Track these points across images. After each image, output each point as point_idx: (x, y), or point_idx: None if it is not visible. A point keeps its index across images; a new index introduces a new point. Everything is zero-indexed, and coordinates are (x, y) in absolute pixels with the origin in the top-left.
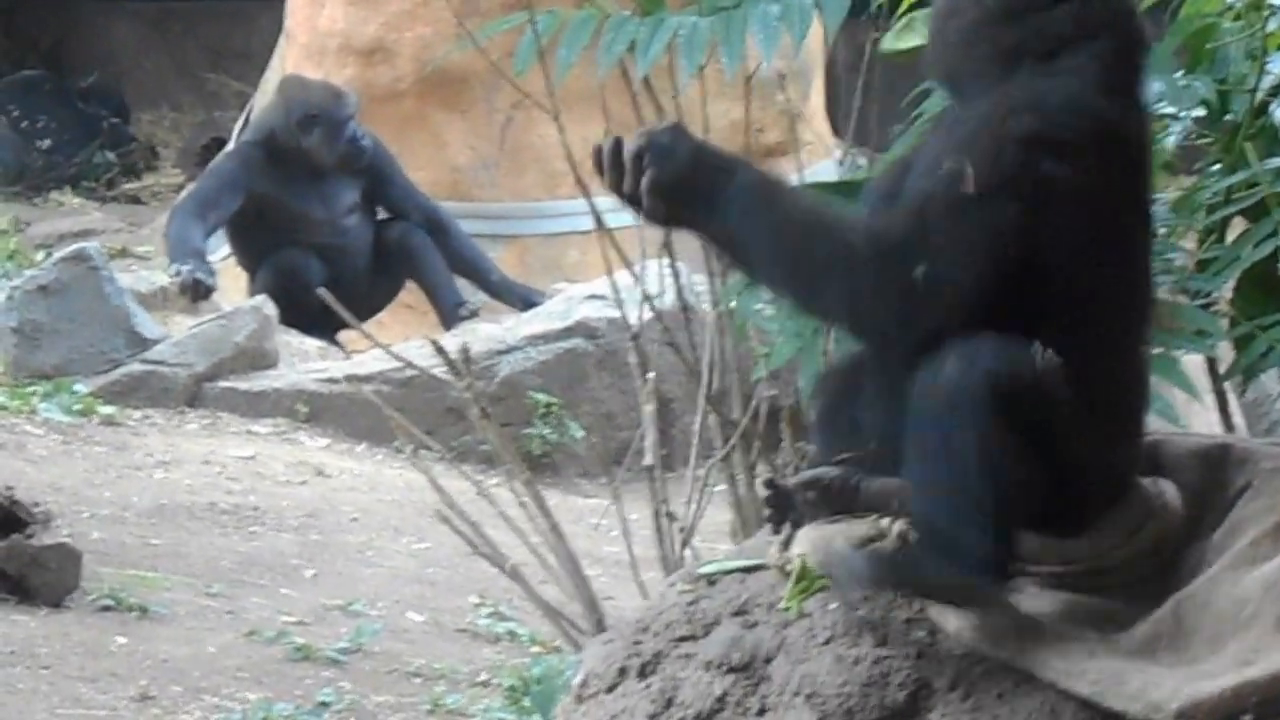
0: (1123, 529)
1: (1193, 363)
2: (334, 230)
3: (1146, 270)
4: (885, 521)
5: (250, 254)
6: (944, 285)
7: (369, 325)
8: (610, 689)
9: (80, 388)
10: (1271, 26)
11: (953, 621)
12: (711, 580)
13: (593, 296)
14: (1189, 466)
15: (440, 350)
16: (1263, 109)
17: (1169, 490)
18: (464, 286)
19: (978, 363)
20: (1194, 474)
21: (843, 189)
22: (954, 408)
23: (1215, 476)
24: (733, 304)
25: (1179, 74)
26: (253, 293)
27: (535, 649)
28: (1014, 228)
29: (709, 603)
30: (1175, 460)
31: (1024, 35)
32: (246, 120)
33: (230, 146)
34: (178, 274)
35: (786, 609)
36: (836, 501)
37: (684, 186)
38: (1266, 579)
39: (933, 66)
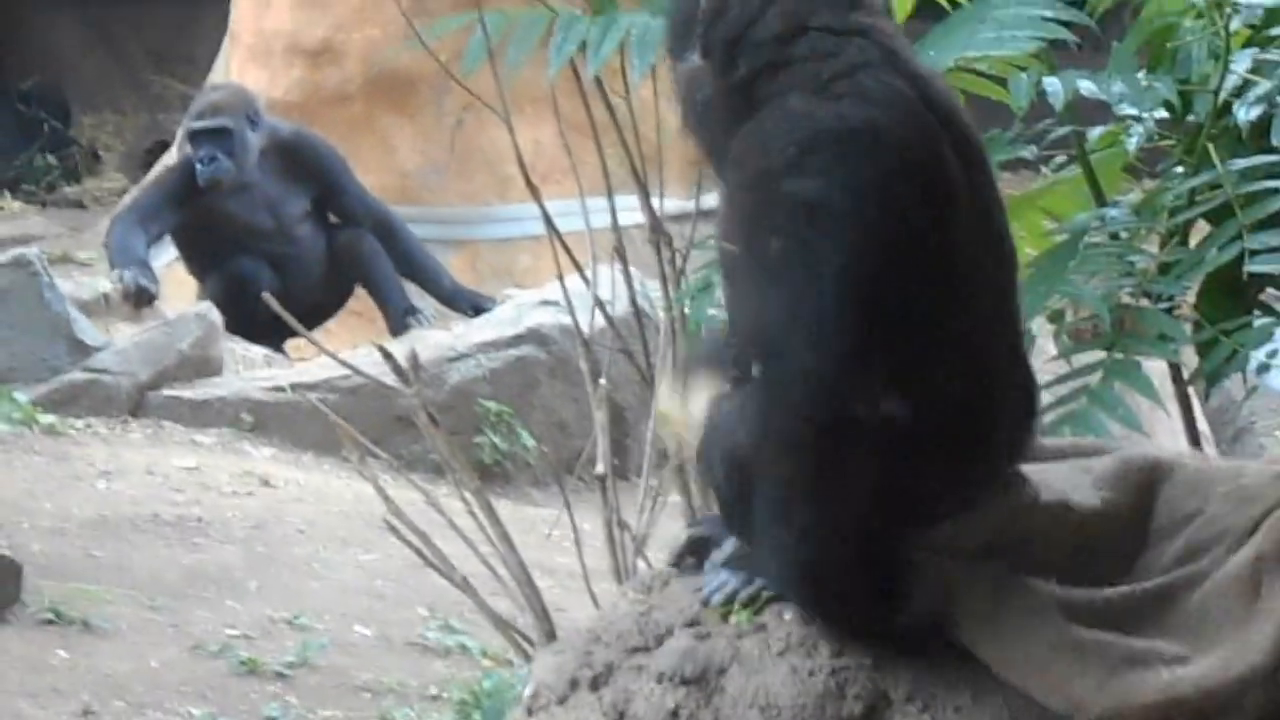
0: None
1: (1156, 368)
2: (285, 240)
3: (976, 281)
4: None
5: (200, 263)
6: (808, 367)
7: (316, 333)
8: (561, 701)
9: (20, 396)
10: (1234, 25)
11: None
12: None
13: (544, 303)
14: (1116, 482)
15: (388, 357)
16: (1225, 109)
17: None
18: (414, 293)
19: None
20: (1126, 489)
21: None
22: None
23: (1155, 493)
24: (686, 309)
25: (1141, 74)
26: (201, 301)
27: (486, 662)
28: (833, 267)
29: (661, 613)
30: (1104, 474)
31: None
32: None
33: (174, 155)
34: (120, 280)
35: (738, 621)
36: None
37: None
38: (1219, 588)
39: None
